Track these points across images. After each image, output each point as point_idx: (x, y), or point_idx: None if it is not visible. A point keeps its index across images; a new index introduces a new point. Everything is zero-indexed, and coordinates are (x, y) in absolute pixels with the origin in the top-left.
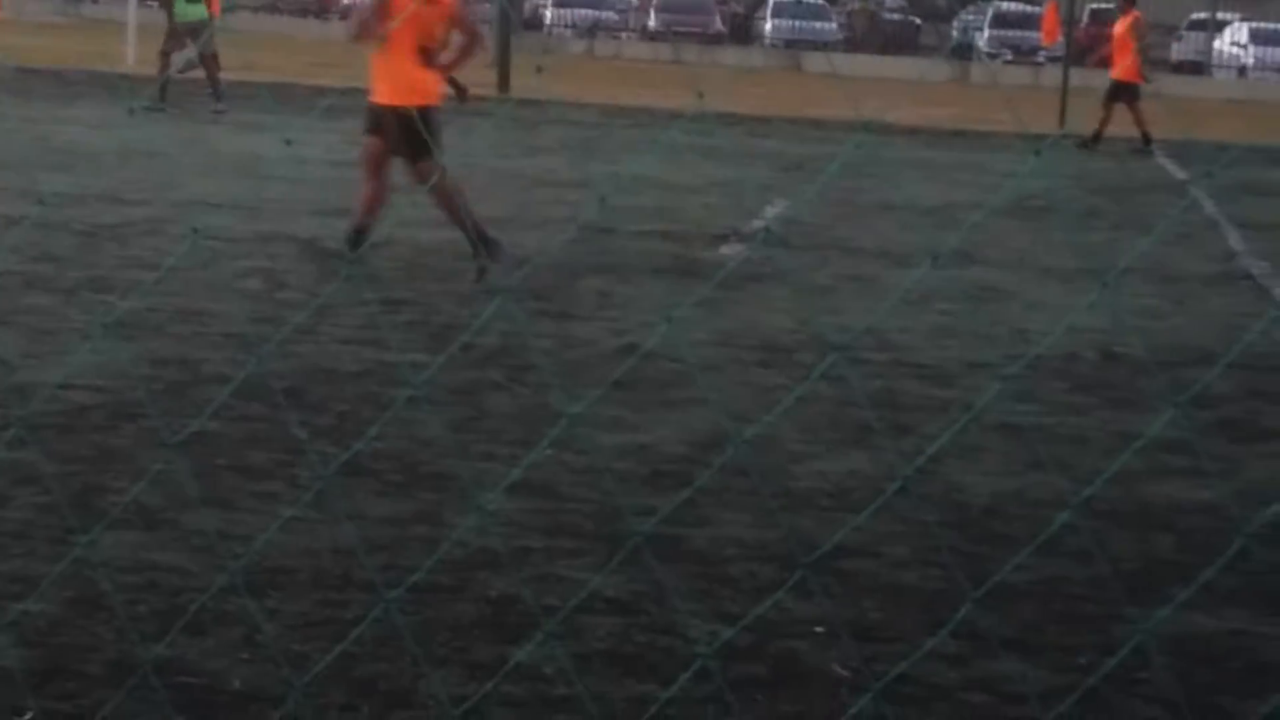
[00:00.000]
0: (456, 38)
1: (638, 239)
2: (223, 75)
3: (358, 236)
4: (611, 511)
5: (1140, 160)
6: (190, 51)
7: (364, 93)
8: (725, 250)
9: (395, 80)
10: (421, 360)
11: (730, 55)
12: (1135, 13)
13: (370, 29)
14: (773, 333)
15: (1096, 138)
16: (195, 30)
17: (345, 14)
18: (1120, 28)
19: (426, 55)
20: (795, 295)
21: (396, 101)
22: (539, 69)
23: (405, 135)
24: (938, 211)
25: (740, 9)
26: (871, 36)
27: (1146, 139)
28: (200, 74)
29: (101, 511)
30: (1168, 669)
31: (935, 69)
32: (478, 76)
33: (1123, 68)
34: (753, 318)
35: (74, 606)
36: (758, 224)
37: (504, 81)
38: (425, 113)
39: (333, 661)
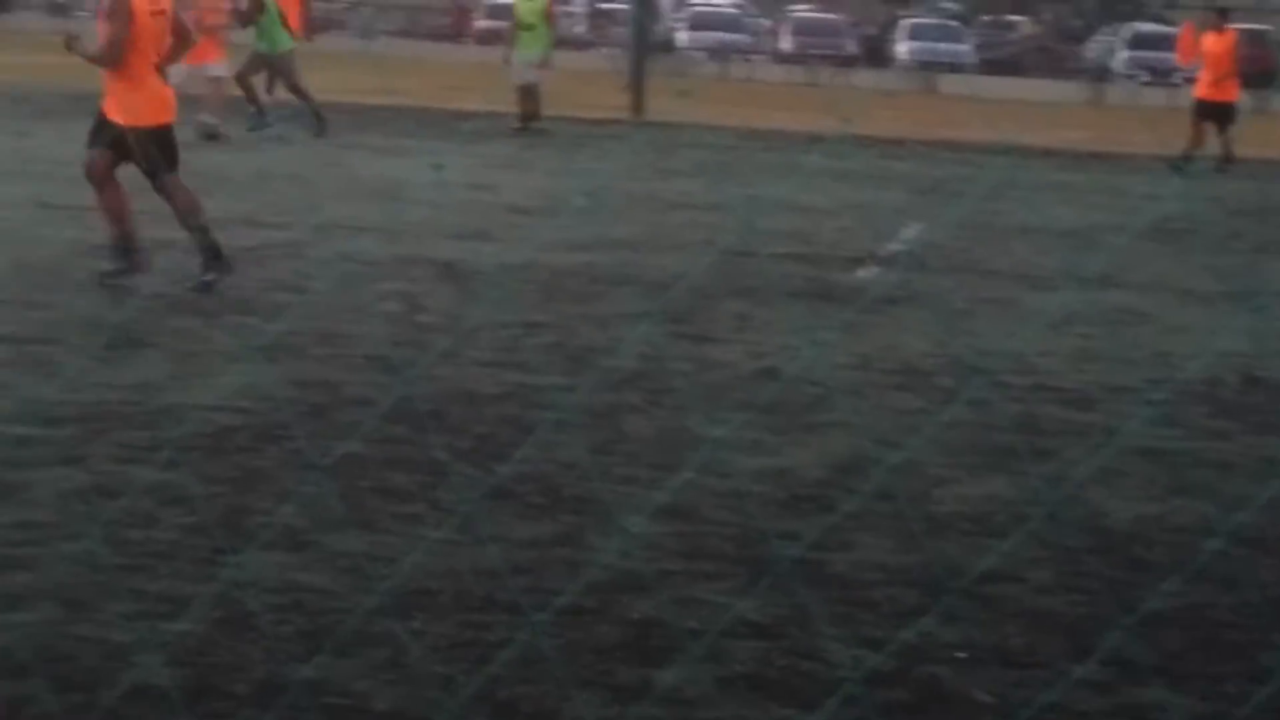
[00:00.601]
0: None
1: (774, 262)
2: (361, 100)
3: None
4: (752, 535)
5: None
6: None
7: (502, 115)
8: (862, 273)
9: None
10: (561, 383)
11: (864, 78)
12: (1232, 31)
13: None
14: (911, 356)
15: (1228, 159)
16: (284, 59)
17: (480, 37)
18: (1218, 45)
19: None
20: (933, 318)
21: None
22: (683, 93)
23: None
24: (1075, 234)
25: (874, 31)
26: (1043, 58)
27: (1188, 158)
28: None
29: (248, 532)
30: None
31: (1071, 91)
32: (611, 100)
33: (1217, 86)
34: (891, 341)
35: (222, 627)
36: (894, 247)
37: (638, 105)
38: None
39: (477, 683)
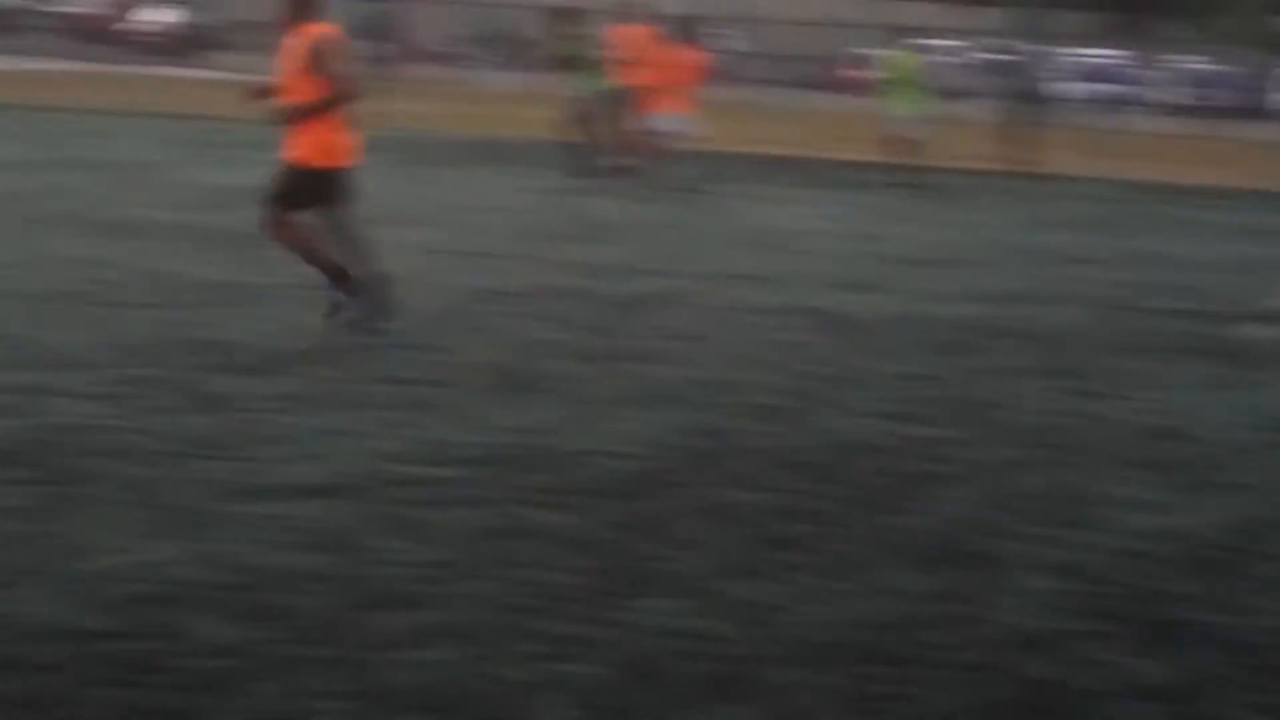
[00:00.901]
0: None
1: (1162, 317)
2: (740, 149)
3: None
4: (1149, 595)
5: None
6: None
7: (883, 166)
8: (1253, 330)
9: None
10: (950, 435)
11: (1256, 130)
12: None
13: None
14: None
15: None
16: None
17: (858, 88)
18: None
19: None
20: None
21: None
22: (1066, 148)
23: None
24: None
25: (1261, 82)
26: None
27: None
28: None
29: (642, 577)
30: None
31: None
32: (992, 151)
33: None
34: None
35: (624, 670)
36: None
37: (1020, 156)
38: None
39: None
